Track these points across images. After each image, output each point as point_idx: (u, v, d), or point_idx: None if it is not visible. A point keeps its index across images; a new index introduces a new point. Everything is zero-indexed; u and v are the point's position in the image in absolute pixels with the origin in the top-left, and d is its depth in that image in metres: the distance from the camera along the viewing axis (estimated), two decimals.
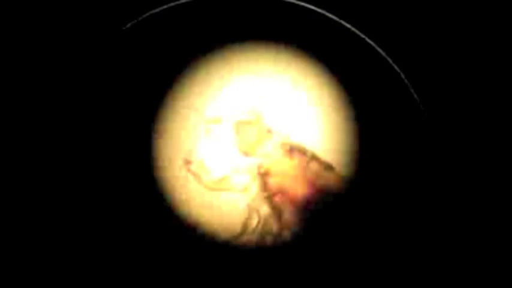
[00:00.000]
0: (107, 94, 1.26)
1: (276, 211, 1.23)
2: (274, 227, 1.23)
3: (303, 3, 1.25)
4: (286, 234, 1.23)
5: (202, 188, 1.23)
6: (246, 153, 1.23)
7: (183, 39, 1.28)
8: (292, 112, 1.25)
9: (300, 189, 1.23)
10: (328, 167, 1.23)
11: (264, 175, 1.23)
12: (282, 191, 1.23)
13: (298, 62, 1.28)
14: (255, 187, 1.23)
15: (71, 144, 1.25)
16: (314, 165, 1.23)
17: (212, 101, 1.26)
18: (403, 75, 1.25)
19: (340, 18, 1.25)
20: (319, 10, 1.25)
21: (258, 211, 1.23)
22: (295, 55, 1.29)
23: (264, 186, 1.23)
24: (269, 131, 1.23)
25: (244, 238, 1.23)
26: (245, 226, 1.23)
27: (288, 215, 1.23)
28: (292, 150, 1.23)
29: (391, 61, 1.25)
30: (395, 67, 1.24)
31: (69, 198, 1.24)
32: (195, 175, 1.23)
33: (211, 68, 1.28)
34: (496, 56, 1.28)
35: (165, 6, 1.26)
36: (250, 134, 1.23)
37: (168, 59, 1.28)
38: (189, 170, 1.24)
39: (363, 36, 1.25)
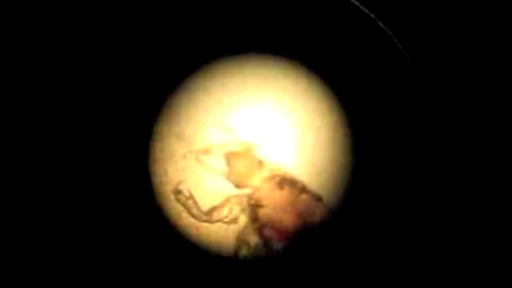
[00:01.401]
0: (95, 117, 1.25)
1: (265, 242, 1.23)
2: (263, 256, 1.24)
3: None
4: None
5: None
6: (236, 185, 1.23)
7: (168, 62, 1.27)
8: (284, 141, 1.25)
9: (289, 221, 1.23)
10: (318, 198, 1.23)
11: (254, 207, 1.23)
12: (271, 223, 1.23)
13: (293, 85, 1.28)
14: (244, 218, 1.23)
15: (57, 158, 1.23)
16: (304, 197, 1.23)
17: (202, 128, 1.25)
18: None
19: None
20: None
21: (247, 242, 1.23)
22: (290, 76, 1.28)
23: (254, 218, 1.23)
24: (260, 163, 1.23)
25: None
26: (235, 255, 1.23)
27: (277, 245, 1.23)
28: (283, 182, 1.23)
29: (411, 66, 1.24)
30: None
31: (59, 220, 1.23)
32: (185, 206, 1.23)
33: (201, 93, 1.27)
34: (491, 25, 1.27)
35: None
36: (240, 166, 1.22)
37: (154, 83, 1.27)
38: (178, 201, 1.23)
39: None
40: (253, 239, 1.23)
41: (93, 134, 1.23)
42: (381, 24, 1.22)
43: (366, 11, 1.22)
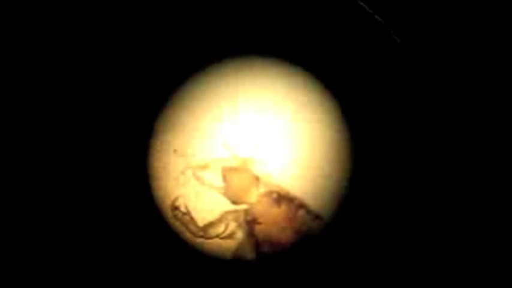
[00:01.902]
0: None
1: (260, 257, 1.22)
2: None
3: None
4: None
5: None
6: (233, 201, 1.22)
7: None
8: (283, 153, 1.24)
9: (286, 238, 1.22)
10: (316, 216, 1.22)
11: (250, 223, 1.22)
12: (268, 239, 1.22)
13: (294, 92, 1.26)
14: (241, 234, 1.23)
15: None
16: (301, 214, 1.22)
17: (199, 144, 1.25)
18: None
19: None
20: None
21: (244, 258, 1.22)
22: (290, 81, 1.27)
23: (251, 234, 1.22)
24: (257, 179, 1.22)
25: None
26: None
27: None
28: (280, 198, 1.22)
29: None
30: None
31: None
32: (181, 222, 1.22)
33: (198, 102, 1.27)
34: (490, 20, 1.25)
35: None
36: (237, 181, 1.21)
37: (147, 92, 1.26)
38: (175, 217, 1.23)
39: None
40: (250, 256, 1.22)
41: (88, 147, 1.23)
42: (381, 23, 1.21)
43: (370, 11, 1.20)
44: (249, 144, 1.23)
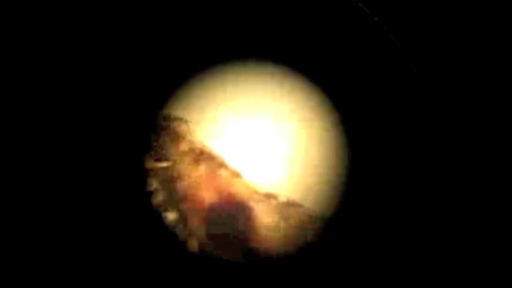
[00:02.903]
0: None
1: (182, 218, 1.20)
2: (180, 234, 1.20)
3: None
4: (194, 245, 1.20)
5: None
6: (154, 158, 1.21)
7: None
8: (280, 156, 1.19)
9: (207, 197, 1.18)
10: (236, 174, 1.18)
11: (170, 180, 1.20)
12: (188, 198, 1.19)
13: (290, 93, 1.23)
14: (161, 192, 1.21)
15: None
16: (222, 174, 1.18)
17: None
18: None
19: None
20: None
21: (164, 217, 1.20)
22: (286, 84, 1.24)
23: (171, 192, 1.20)
24: (178, 136, 1.20)
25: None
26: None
27: (194, 223, 1.19)
28: (200, 156, 1.19)
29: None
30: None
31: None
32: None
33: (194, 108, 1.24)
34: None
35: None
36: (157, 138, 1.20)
37: (145, 94, 1.25)
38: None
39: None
40: (171, 214, 1.20)
41: (88, 145, 1.23)
42: (380, 25, 1.16)
43: (367, 11, 1.16)
44: (245, 145, 1.20)
